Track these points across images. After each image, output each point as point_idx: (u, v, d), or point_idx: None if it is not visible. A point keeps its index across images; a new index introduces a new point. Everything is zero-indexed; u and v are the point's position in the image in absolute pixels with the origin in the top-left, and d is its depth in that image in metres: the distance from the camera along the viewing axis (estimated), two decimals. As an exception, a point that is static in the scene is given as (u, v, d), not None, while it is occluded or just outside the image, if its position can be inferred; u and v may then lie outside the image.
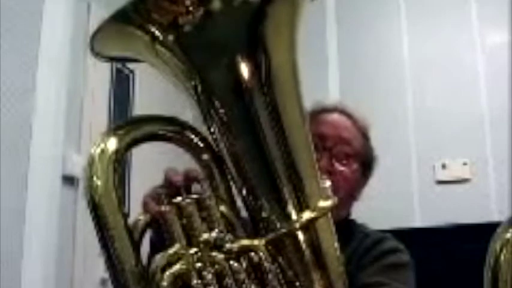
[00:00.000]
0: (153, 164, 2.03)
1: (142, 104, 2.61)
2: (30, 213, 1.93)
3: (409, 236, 1.25)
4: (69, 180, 2.10)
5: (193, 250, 0.75)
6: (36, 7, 2.07)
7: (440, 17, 3.00)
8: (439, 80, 2.92)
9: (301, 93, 0.81)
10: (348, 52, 3.10)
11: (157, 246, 0.79)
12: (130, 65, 2.48)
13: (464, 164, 2.80)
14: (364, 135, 1.28)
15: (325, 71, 3.08)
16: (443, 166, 2.83)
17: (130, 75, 2.59)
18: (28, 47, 2.03)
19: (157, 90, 2.46)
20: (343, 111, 1.27)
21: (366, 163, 1.27)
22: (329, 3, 3.16)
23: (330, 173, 1.19)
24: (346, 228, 1.25)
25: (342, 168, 1.21)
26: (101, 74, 2.39)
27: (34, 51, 2.03)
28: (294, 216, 0.77)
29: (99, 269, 2.13)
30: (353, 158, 1.23)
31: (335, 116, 1.26)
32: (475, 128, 2.82)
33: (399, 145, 2.86)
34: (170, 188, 0.80)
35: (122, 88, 2.54)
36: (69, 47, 2.14)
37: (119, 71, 2.51)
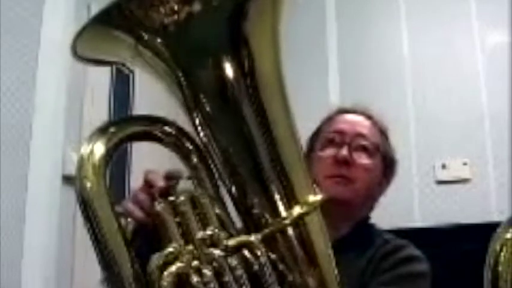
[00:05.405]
0: (153, 164, 2.02)
1: (142, 104, 2.60)
2: (30, 213, 1.93)
3: (409, 236, 1.24)
4: (69, 180, 2.09)
5: (190, 248, 0.74)
6: (36, 8, 2.07)
7: (440, 17, 2.99)
8: (439, 80, 2.92)
9: (285, 89, 0.81)
10: (347, 52, 3.09)
11: (142, 255, 0.77)
12: (131, 65, 2.47)
13: (464, 164, 2.80)
14: (384, 135, 1.30)
15: (325, 70, 3.07)
16: (443, 166, 2.83)
17: (130, 75, 2.59)
18: (28, 47, 2.03)
19: (157, 90, 2.44)
20: (363, 113, 1.30)
21: (386, 161, 1.28)
22: (329, 2, 3.16)
23: (349, 164, 1.20)
24: (366, 233, 1.25)
25: (360, 159, 1.22)
26: (101, 74, 2.38)
27: (34, 51, 2.03)
28: (284, 212, 0.77)
29: (99, 269, 2.13)
30: (371, 152, 1.25)
31: (354, 115, 1.30)
32: (475, 128, 2.81)
33: (399, 145, 2.84)
34: (153, 192, 0.80)
35: (122, 88, 2.54)
36: (69, 47, 2.13)
37: (118, 71, 2.50)
